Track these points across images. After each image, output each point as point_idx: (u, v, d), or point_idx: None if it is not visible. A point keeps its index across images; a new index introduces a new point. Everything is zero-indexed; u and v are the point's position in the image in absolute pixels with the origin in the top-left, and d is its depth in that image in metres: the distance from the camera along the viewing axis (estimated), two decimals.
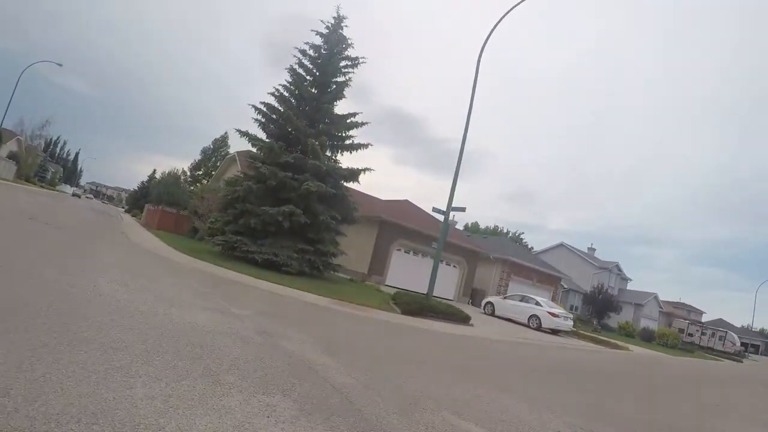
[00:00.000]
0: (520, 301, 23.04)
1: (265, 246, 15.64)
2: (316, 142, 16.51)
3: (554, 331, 21.61)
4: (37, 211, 18.42)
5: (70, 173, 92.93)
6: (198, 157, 49.29)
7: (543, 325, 21.31)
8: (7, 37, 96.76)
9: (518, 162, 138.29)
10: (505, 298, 24.29)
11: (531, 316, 21.58)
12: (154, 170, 67.89)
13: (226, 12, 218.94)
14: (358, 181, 17.91)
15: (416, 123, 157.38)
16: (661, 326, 48.54)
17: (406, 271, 24.28)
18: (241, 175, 18.24)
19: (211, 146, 50.18)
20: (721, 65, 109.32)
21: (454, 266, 27.63)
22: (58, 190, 70.69)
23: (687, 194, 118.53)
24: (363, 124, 18.37)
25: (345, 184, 17.98)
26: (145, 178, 68.05)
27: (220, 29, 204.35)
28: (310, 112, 17.93)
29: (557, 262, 47.39)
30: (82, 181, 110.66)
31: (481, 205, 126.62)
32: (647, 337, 38.14)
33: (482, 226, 67.64)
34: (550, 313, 21.76)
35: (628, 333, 39.28)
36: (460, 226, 43.85)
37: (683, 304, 67.17)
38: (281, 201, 16.33)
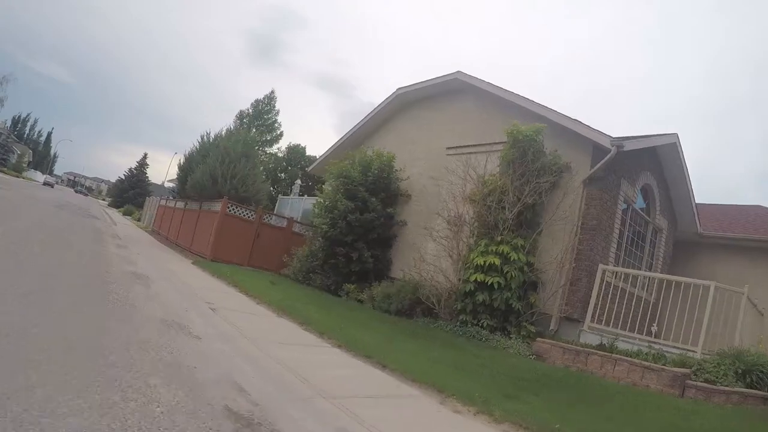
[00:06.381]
0: None
1: None
2: None
3: None
4: None
5: (42, 158, 74.45)
6: (229, 125, 32.11)
7: None
8: None
9: None
10: None
11: None
12: (146, 154, 50.76)
13: (212, 3, 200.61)
14: None
15: None
16: None
17: None
18: None
19: (250, 111, 33.22)
20: None
21: None
22: (26, 178, 53.53)
23: None
24: None
25: None
26: (134, 165, 51.40)
27: (205, 20, 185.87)
28: None
29: None
30: (58, 170, 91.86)
31: None
32: None
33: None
34: None
35: None
36: None
37: None
38: None
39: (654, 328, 7.41)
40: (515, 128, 7.06)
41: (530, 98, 8.04)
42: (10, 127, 72.38)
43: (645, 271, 8.97)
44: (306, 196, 16.60)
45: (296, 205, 15.57)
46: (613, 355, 5.79)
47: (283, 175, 26.06)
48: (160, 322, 4.26)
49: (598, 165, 7.04)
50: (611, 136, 7.01)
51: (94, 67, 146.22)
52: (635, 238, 8.98)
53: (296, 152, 27.48)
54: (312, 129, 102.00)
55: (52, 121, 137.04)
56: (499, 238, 6.57)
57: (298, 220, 13.77)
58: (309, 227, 12.92)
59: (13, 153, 61.92)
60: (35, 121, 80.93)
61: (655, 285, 8.92)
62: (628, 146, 7.02)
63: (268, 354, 3.87)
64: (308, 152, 27.56)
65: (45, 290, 4.36)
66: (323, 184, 11.89)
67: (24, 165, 64.80)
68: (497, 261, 6.35)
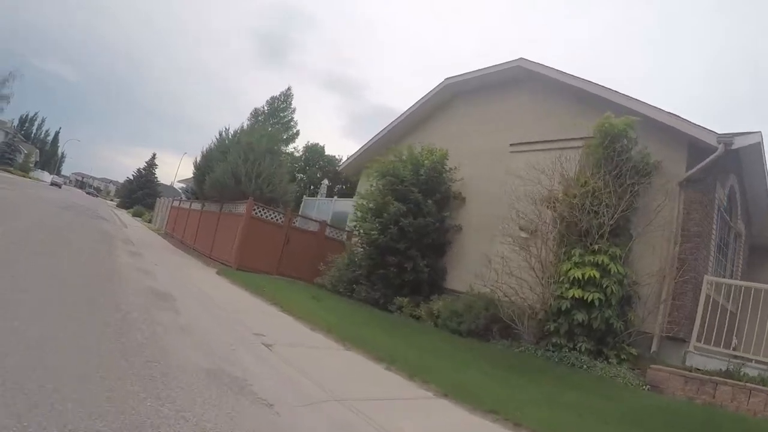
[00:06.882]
0: None
1: None
2: None
3: None
4: None
5: (49, 158, 73.97)
6: (243, 123, 31.43)
7: None
8: None
9: None
10: None
11: None
12: (154, 154, 50.55)
13: (215, 4, 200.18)
14: None
15: None
16: None
17: None
18: None
19: (266, 108, 32.37)
20: None
21: None
22: (33, 178, 53.08)
23: None
24: None
25: None
26: (142, 166, 51.16)
27: (212, 20, 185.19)
28: None
29: None
30: (65, 170, 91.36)
31: None
32: None
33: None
34: None
35: None
36: None
37: None
38: None
39: (734, 341, 6.58)
40: (606, 121, 6.15)
41: (612, 88, 7.15)
42: (17, 126, 71.92)
43: (734, 280, 8.04)
44: (336, 197, 15.70)
45: (324, 207, 14.67)
46: (747, 384, 4.89)
47: (301, 175, 25.20)
48: (206, 375, 3.06)
49: (701, 164, 6.15)
50: (717, 132, 6.12)
51: (100, 69, 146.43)
52: (721, 245, 8.08)
53: (314, 152, 26.61)
54: (321, 129, 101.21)
55: (59, 121, 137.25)
56: (595, 247, 5.68)
57: (329, 223, 12.89)
58: (343, 231, 12.03)
59: (20, 152, 61.29)
60: (42, 121, 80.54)
61: (731, 294, 8.05)
62: (738, 143, 6.13)
63: (374, 423, 2.95)
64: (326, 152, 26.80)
65: (42, 324, 3.48)
66: (349, 184, 11.02)
67: (31, 165, 64.22)
68: (596, 274, 5.46)
